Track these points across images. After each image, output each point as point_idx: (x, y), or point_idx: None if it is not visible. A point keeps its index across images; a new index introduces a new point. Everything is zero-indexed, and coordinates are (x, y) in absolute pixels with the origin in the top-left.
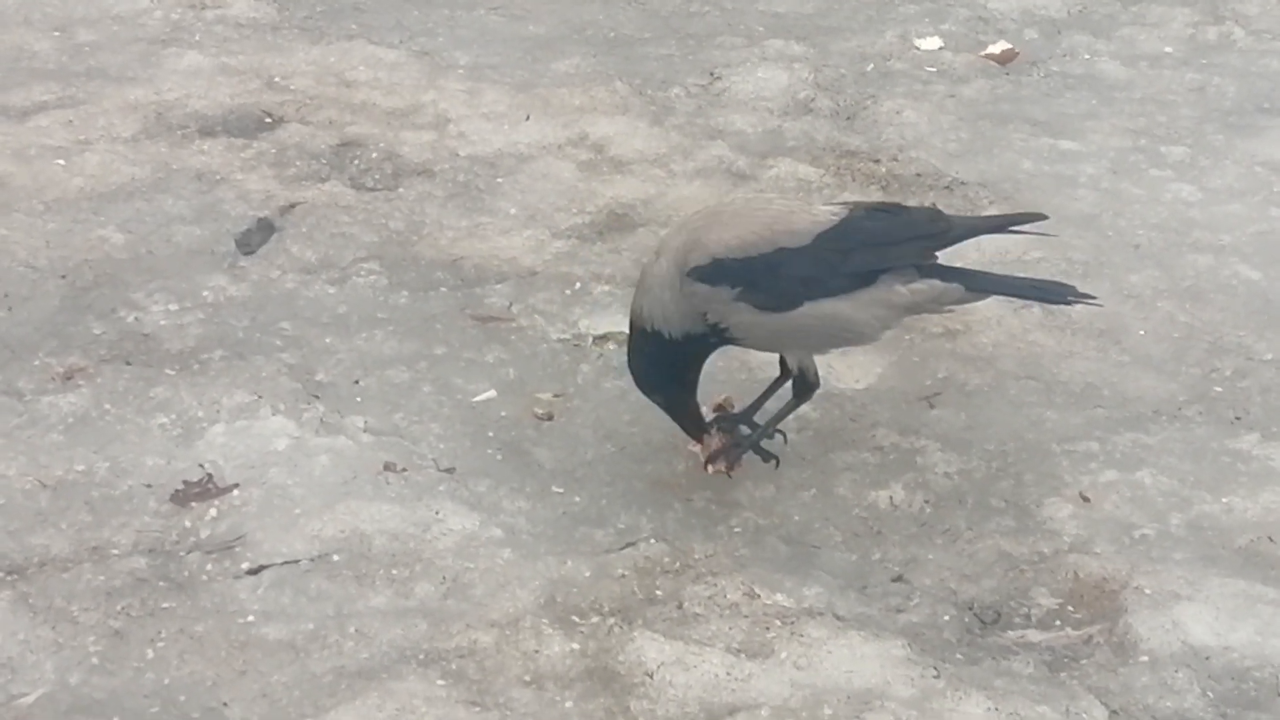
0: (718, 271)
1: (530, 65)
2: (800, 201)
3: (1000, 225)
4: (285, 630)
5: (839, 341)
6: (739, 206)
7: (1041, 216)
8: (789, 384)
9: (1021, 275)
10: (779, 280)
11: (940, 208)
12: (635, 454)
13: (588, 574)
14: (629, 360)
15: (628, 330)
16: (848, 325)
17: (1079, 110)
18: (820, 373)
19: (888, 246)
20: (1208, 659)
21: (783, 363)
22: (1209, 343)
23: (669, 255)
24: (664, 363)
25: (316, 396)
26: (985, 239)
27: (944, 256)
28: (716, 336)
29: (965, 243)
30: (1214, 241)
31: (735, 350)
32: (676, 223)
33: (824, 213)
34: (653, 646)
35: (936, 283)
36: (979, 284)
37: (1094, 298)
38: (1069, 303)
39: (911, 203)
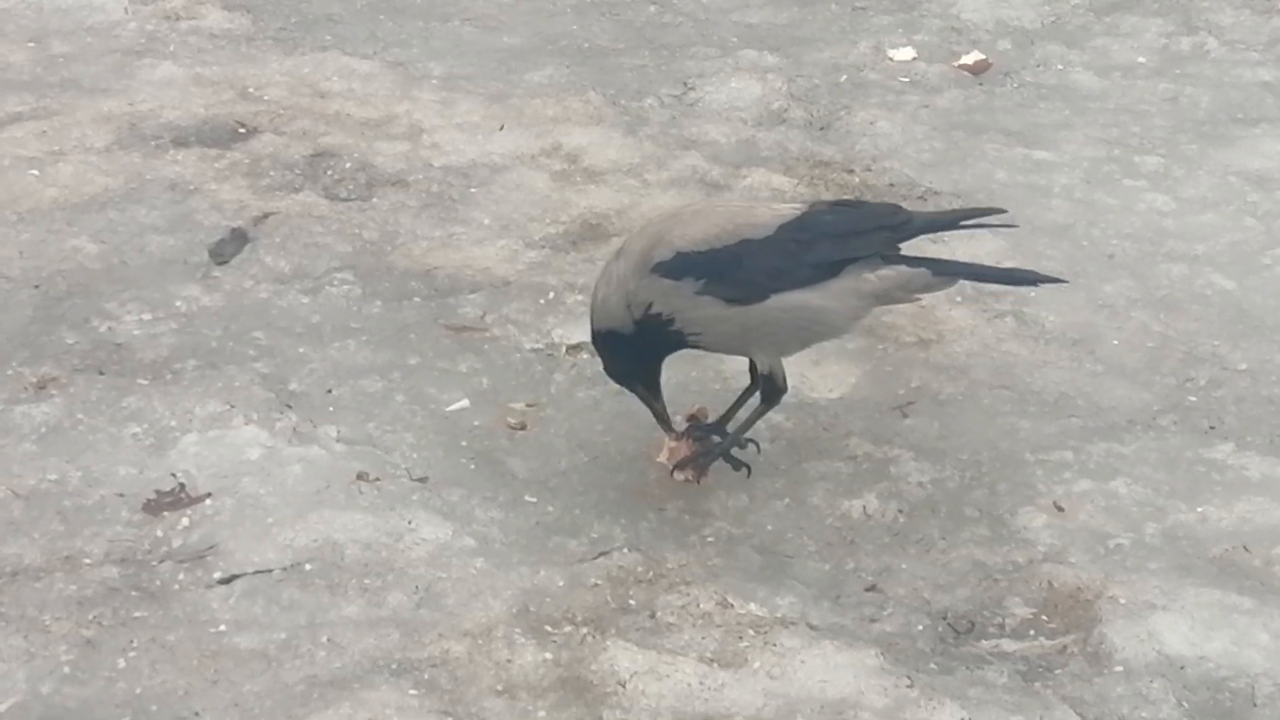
0: (682, 265)
1: (504, 76)
2: (762, 201)
3: (958, 219)
4: (257, 640)
5: (809, 335)
6: (700, 206)
7: (1001, 211)
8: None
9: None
10: (744, 271)
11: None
12: (608, 463)
13: (561, 583)
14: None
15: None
16: (817, 316)
17: (1052, 120)
18: (792, 381)
19: (850, 237)
20: (1183, 669)
21: (753, 369)
22: (1183, 352)
23: (629, 257)
24: (624, 357)
25: (289, 406)
26: (957, 247)
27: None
28: (660, 333)
29: None
30: (1188, 251)
31: (710, 360)
32: (639, 226)
33: (786, 208)
34: (625, 656)
35: (903, 268)
36: (946, 269)
37: (1061, 279)
38: (1035, 284)
39: None
